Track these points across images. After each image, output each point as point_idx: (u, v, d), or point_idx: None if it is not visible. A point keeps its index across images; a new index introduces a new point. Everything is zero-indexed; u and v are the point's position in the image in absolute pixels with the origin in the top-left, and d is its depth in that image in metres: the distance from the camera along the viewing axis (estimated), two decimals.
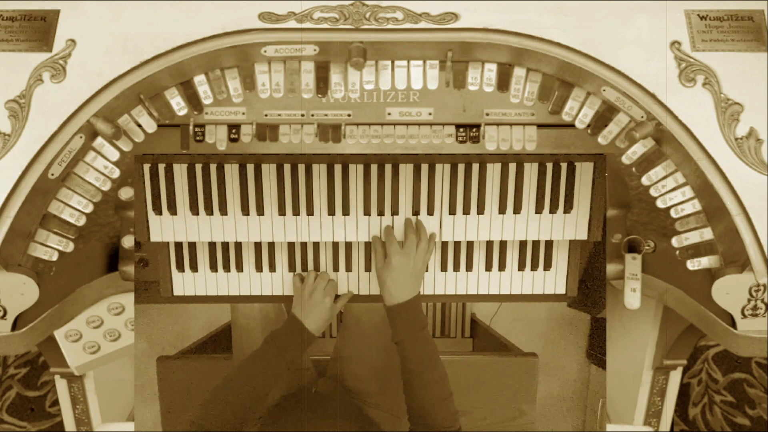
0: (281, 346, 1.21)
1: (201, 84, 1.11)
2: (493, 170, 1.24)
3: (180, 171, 1.24)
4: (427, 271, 1.30)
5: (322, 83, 1.11)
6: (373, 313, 1.41)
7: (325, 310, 1.25)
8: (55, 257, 1.10)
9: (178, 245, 1.31)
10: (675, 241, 1.11)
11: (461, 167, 1.24)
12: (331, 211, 1.25)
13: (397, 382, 1.18)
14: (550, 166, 1.24)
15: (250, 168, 1.24)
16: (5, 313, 1.08)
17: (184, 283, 1.33)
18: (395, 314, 1.19)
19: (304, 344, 1.24)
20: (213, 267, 1.32)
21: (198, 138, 1.14)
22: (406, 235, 1.23)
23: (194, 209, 1.25)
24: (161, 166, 1.24)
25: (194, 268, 1.32)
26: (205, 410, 1.15)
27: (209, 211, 1.25)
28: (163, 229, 1.26)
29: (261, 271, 1.32)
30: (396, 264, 1.19)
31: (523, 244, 1.31)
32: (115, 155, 1.11)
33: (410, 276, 1.20)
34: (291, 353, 1.21)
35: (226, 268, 1.32)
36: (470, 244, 1.31)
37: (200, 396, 1.17)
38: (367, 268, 1.32)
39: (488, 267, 1.31)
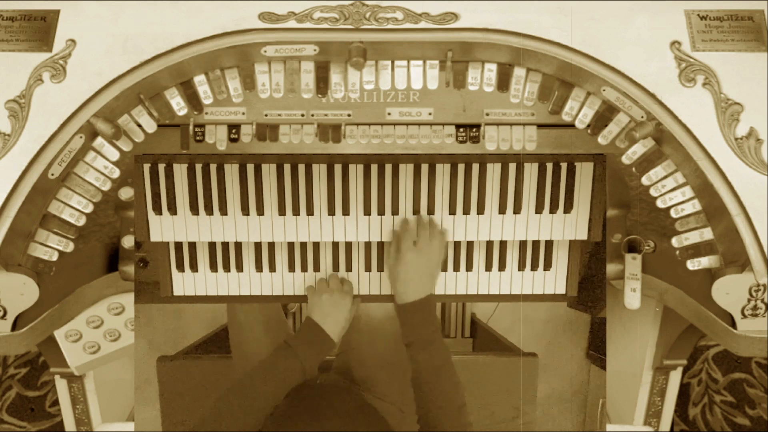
0: (299, 354, 1.15)
1: (201, 84, 1.11)
2: (493, 170, 1.24)
3: (180, 171, 1.24)
4: (445, 271, 1.28)
5: (322, 83, 1.11)
6: (386, 304, 1.39)
7: (345, 312, 1.23)
8: (55, 257, 1.10)
9: (178, 245, 1.31)
10: (675, 241, 1.11)
11: (461, 167, 1.24)
12: (331, 211, 1.25)
13: (405, 375, 1.15)
14: (550, 166, 1.24)
15: (250, 168, 1.24)
16: (5, 313, 1.08)
17: (184, 283, 1.33)
18: (406, 313, 1.16)
19: (324, 350, 1.19)
20: (213, 267, 1.32)
21: (198, 138, 1.14)
22: (417, 231, 1.20)
23: (194, 209, 1.25)
24: (161, 166, 1.24)
25: (194, 268, 1.32)
26: (216, 411, 1.10)
27: (209, 211, 1.25)
28: (163, 229, 1.26)
29: (261, 271, 1.32)
30: (409, 259, 1.17)
31: (523, 244, 1.31)
32: (115, 155, 1.11)
33: (423, 273, 1.18)
34: (309, 360, 1.15)
35: (226, 268, 1.32)
36: (470, 244, 1.31)
37: (200, 396, 1.16)
38: (367, 268, 1.32)
39: (488, 267, 1.31)
